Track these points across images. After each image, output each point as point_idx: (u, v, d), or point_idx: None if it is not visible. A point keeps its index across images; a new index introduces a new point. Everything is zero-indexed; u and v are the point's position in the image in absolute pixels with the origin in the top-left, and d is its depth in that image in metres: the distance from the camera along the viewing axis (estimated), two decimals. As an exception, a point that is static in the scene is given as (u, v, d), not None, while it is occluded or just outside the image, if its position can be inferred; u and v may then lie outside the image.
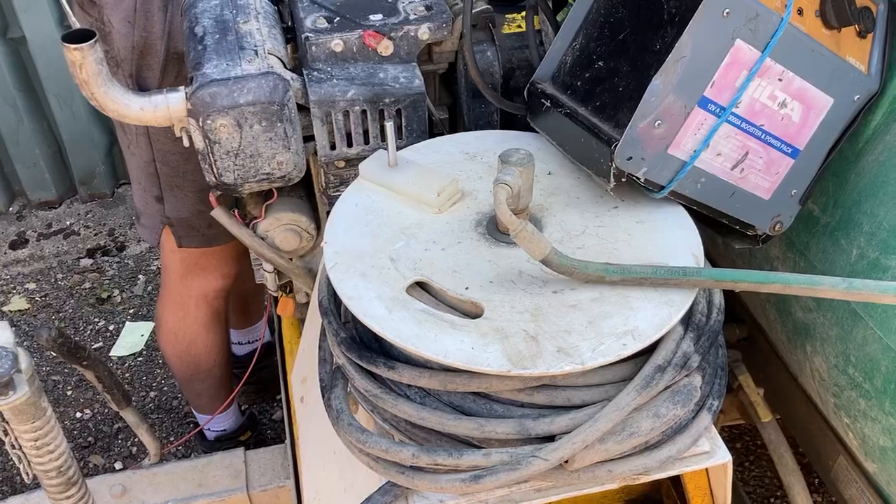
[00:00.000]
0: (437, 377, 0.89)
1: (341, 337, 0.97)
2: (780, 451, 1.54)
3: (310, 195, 1.40)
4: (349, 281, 0.95)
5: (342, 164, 1.27)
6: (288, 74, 1.20)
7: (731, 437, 2.31)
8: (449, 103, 1.37)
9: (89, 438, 2.32)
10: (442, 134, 1.34)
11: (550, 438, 0.89)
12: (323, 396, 1.01)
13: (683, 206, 1.08)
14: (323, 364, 1.05)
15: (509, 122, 1.33)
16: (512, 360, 0.86)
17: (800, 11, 1.01)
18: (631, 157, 1.00)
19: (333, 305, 1.02)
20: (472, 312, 0.93)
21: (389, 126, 1.07)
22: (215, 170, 1.19)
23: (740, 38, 0.97)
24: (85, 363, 1.40)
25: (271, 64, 1.19)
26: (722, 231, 1.17)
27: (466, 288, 0.93)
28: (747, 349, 1.71)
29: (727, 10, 0.95)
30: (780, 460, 1.54)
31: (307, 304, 1.48)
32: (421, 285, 0.97)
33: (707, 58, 0.97)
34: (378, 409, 0.96)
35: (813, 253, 1.26)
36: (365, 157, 1.19)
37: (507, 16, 1.31)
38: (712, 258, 1.57)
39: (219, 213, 1.32)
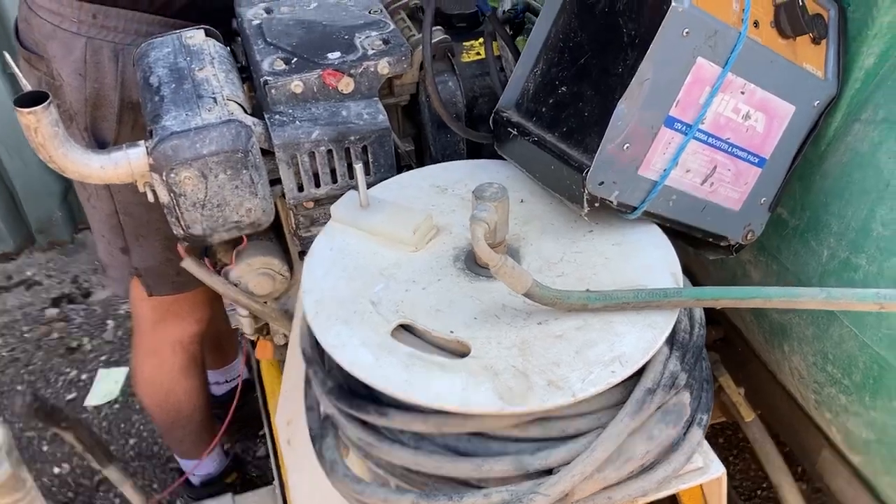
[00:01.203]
0: (430, 421, 0.89)
1: (329, 386, 0.96)
2: (765, 449, 1.56)
3: (279, 236, 1.39)
4: (332, 329, 0.94)
5: (311, 204, 1.26)
6: (249, 120, 1.18)
7: (714, 432, 2.33)
8: (413, 134, 1.37)
9: (69, 494, 2.27)
10: (410, 166, 1.34)
11: (548, 471, 0.89)
12: (314, 446, 0.99)
13: (657, 224, 1.09)
14: (310, 412, 1.03)
15: (476, 150, 1.33)
16: (504, 397, 0.85)
17: (756, 24, 1.03)
18: (602, 182, 1.01)
19: (317, 353, 1.01)
20: (459, 351, 0.93)
21: (359, 168, 1.06)
22: (182, 223, 1.17)
23: (701, 55, 0.98)
24: (64, 425, 1.37)
25: (231, 111, 1.18)
26: (695, 243, 1.19)
27: (451, 331, 0.93)
28: (724, 349, 1.73)
29: (686, 30, 0.95)
30: (767, 458, 1.55)
31: (286, 345, 1.46)
32: (405, 327, 0.96)
33: (670, 78, 0.98)
34: (372, 457, 0.94)
35: (784, 256, 1.27)
36: (334, 196, 1.18)
37: (464, 44, 1.31)
38: (685, 264, 1.58)
39: (189, 264, 1.30)
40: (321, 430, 0.99)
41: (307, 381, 1.05)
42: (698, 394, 1.02)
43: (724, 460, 2.27)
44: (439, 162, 1.28)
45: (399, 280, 1.01)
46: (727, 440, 2.34)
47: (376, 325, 0.94)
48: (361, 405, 0.92)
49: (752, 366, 1.60)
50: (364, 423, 0.94)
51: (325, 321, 0.95)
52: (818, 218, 1.20)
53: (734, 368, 1.71)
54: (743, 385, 1.69)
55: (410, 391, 0.86)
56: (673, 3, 0.93)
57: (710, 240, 1.15)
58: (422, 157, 1.36)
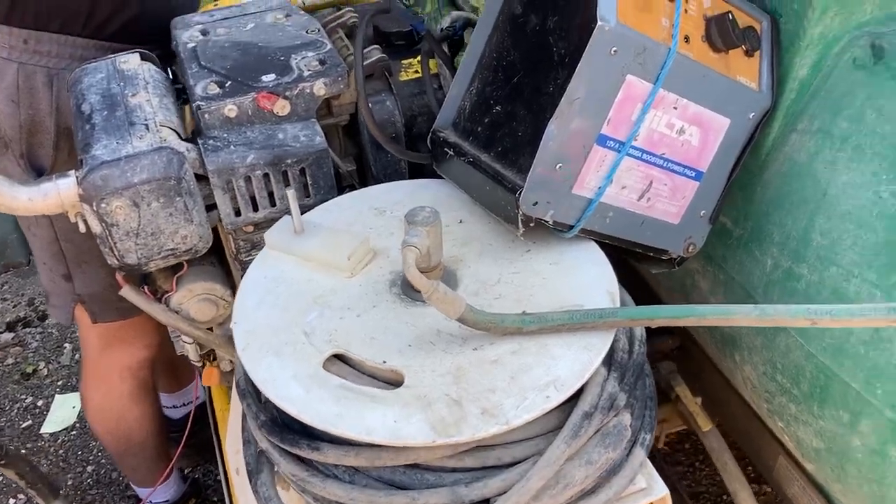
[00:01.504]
0: (363, 454, 0.87)
1: (261, 420, 0.94)
2: (723, 458, 1.56)
3: (222, 260, 1.36)
4: (262, 361, 0.92)
5: (251, 228, 1.24)
6: (183, 146, 1.16)
7: (679, 438, 2.34)
8: (355, 154, 1.35)
9: (25, 525, 2.22)
10: (352, 186, 1.32)
11: (485, 502, 0.87)
12: (250, 481, 0.97)
13: (595, 241, 1.08)
14: (247, 446, 1.01)
15: (419, 168, 1.31)
16: (436, 429, 0.84)
17: (686, 39, 1.02)
18: (536, 203, 0.99)
19: (251, 386, 0.98)
20: (393, 380, 0.91)
21: (291, 193, 1.04)
22: (116, 252, 1.15)
23: (631, 73, 0.97)
24: (3, 462, 1.34)
25: (164, 137, 1.16)
26: (637, 258, 1.18)
27: (384, 361, 0.91)
28: (682, 358, 1.73)
29: (614, 49, 0.94)
30: (724, 468, 1.55)
31: (233, 371, 1.43)
32: (340, 357, 0.94)
33: (600, 96, 0.97)
34: (308, 492, 0.92)
35: (730, 265, 1.27)
36: (273, 219, 1.16)
37: (403, 62, 1.30)
38: (637, 272, 1.58)
39: (127, 292, 1.27)
40: (257, 465, 0.97)
41: (244, 414, 1.03)
42: (641, 413, 1.01)
43: (691, 466, 2.29)
44: (381, 182, 1.27)
45: (334, 308, 0.99)
46: (692, 445, 2.34)
47: (308, 356, 0.92)
48: (294, 440, 0.90)
49: (708, 374, 1.60)
50: (298, 458, 0.92)
51: (256, 354, 0.93)
52: (760, 228, 1.20)
53: (691, 377, 1.70)
54: (700, 394, 1.68)
55: (341, 425, 0.84)
56: (599, 22, 0.92)
57: (652, 254, 1.14)
58: (364, 177, 1.34)
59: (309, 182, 1.21)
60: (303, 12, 1.39)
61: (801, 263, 1.14)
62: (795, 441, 1.28)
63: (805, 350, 1.15)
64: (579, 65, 0.93)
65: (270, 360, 0.92)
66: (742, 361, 1.32)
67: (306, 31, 1.33)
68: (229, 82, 1.22)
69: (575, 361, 0.90)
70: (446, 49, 1.32)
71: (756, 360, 1.28)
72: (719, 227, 1.27)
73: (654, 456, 1.73)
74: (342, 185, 1.31)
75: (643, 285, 1.62)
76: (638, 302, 1.16)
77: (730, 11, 1.05)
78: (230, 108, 1.19)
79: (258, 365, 0.92)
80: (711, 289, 1.35)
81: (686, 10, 1.03)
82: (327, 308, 0.99)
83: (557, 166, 0.98)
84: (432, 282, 0.89)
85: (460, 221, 1.12)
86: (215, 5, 1.58)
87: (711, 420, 1.65)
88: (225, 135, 1.19)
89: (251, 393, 0.98)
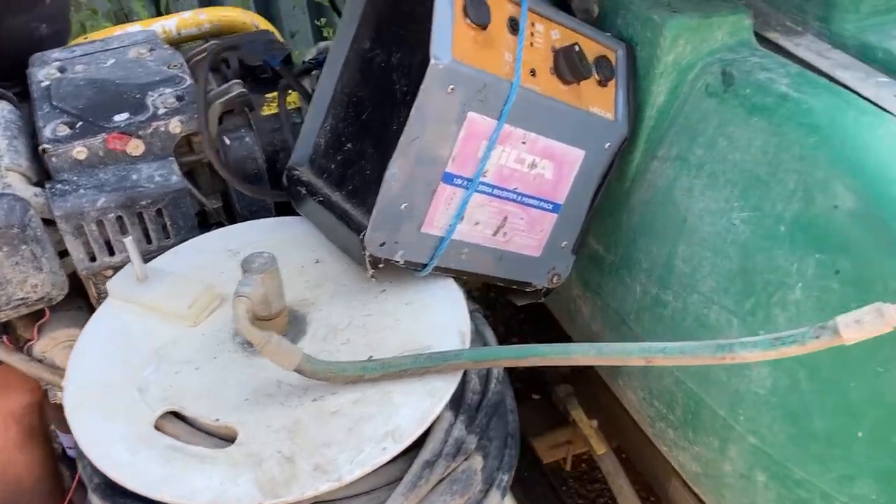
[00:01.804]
0: (192, 518, 0.83)
1: (95, 483, 0.89)
2: (618, 482, 1.55)
3: (90, 305, 1.31)
4: (90, 423, 0.88)
5: (110, 272, 1.19)
6: (30, 191, 1.11)
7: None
8: (222, 190, 1.31)
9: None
10: (220, 223, 1.29)
11: (323, 560, 0.84)
12: (92, 545, 0.93)
13: (453, 277, 1.06)
14: (91, 507, 0.97)
15: (286, 203, 1.28)
16: (264, 489, 0.81)
17: (533, 72, 1.01)
18: (384, 243, 0.97)
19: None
20: (228, 437, 0.88)
21: (129, 241, 1.00)
22: (-41, 305, 1.09)
23: (472, 110, 0.95)
24: None
25: (8, 182, 1.11)
26: (502, 290, 1.16)
27: (217, 419, 0.87)
28: (579, 380, 1.73)
29: (451, 87, 0.93)
30: (620, 492, 1.55)
31: (107, 417, 1.38)
32: (176, 413, 0.91)
33: (441, 135, 0.95)
34: (143, 557, 0.88)
35: (605, 292, 1.27)
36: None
37: (266, 96, 1.27)
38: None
39: (-17, 342, 1.22)
40: (96, 529, 0.93)
41: (88, 473, 0.99)
42: (499, 453, 0.99)
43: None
44: (247, 219, 1.24)
45: (172, 361, 0.95)
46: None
47: (140, 415, 0.88)
48: (124, 504, 0.86)
49: (604, 396, 1.59)
50: (133, 521, 0.88)
51: (85, 414, 0.89)
52: (629, 255, 1.20)
53: (590, 399, 1.70)
54: (598, 415, 1.68)
55: (164, 490, 0.81)
56: (432, 60, 0.90)
57: (515, 286, 1.13)
58: (231, 213, 1.30)
59: (168, 223, 1.17)
60: (167, 46, 1.35)
61: (667, 290, 1.14)
62: (679, 465, 1.28)
63: (675, 376, 1.15)
64: (415, 104, 0.91)
65: (98, 422, 0.88)
66: (625, 386, 1.32)
67: (168, 67, 1.29)
68: (80, 123, 1.17)
69: (416, 409, 0.88)
70: (308, 83, 1.29)
71: (635, 385, 1.28)
72: (594, 254, 1.26)
73: (548, 478, 1.72)
74: (209, 223, 1.27)
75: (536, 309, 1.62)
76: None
77: (576, 43, 1.04)
78: (79, 150, 1.14)
79: (86, 426, 0.88)
80: (591, 314, 1.34)
81: (532, 44, 1.02)
82: (165, 361, 0.95)
83: (402, 206, 0.96)
84: (265, 333, 0.86)
85: (317, 262, 1.09)
86: (86, 38, 1.53)
87: (609, 443, 1.65)
88: (75, 178, 1.14)
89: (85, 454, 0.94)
